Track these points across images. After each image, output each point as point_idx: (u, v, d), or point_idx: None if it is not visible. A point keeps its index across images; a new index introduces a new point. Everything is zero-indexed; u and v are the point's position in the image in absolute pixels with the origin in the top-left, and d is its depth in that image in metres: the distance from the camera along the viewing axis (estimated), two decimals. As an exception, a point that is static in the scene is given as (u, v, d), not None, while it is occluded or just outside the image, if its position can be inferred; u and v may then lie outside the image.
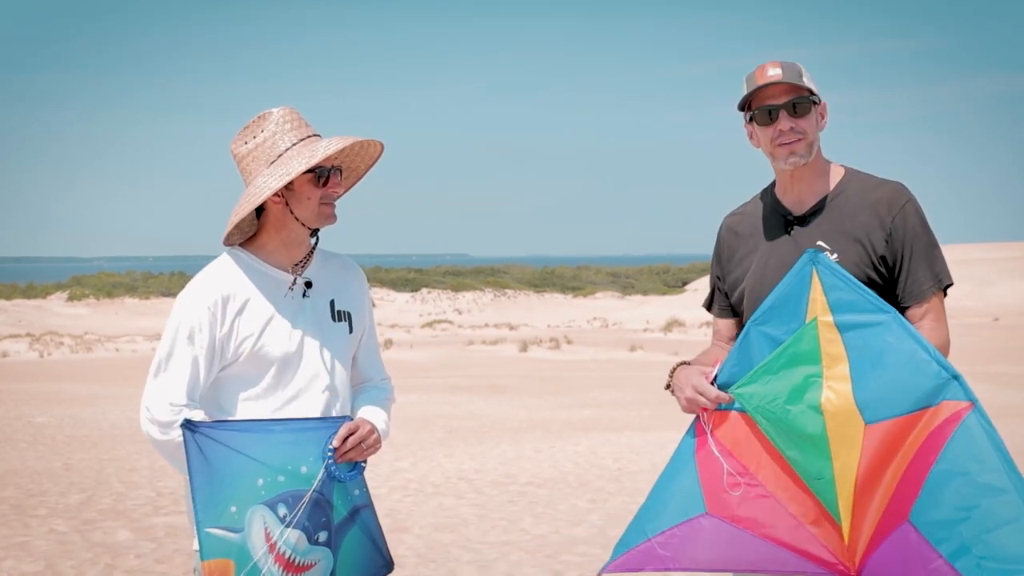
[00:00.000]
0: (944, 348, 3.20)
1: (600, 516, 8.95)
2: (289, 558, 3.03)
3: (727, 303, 3.57)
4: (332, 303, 3.37)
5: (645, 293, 77.68)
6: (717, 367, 3.19)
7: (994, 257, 75.14)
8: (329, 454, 3.11)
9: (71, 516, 8.80)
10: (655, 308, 64.83)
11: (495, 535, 8.26)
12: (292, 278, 3.31)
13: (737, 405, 3.14)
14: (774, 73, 3.30)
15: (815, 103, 3.32)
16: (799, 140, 3.30)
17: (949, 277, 3.29)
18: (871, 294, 2.99)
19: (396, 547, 7.67)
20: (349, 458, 3.15)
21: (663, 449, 12.73)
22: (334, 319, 3.35)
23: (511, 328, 51.45)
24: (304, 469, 3.08)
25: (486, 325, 55.03)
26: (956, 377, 2.86)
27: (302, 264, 3.33)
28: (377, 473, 10.76)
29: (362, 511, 3.20)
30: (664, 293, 77.57)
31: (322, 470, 3.09)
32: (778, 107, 3.30)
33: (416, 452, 12.80)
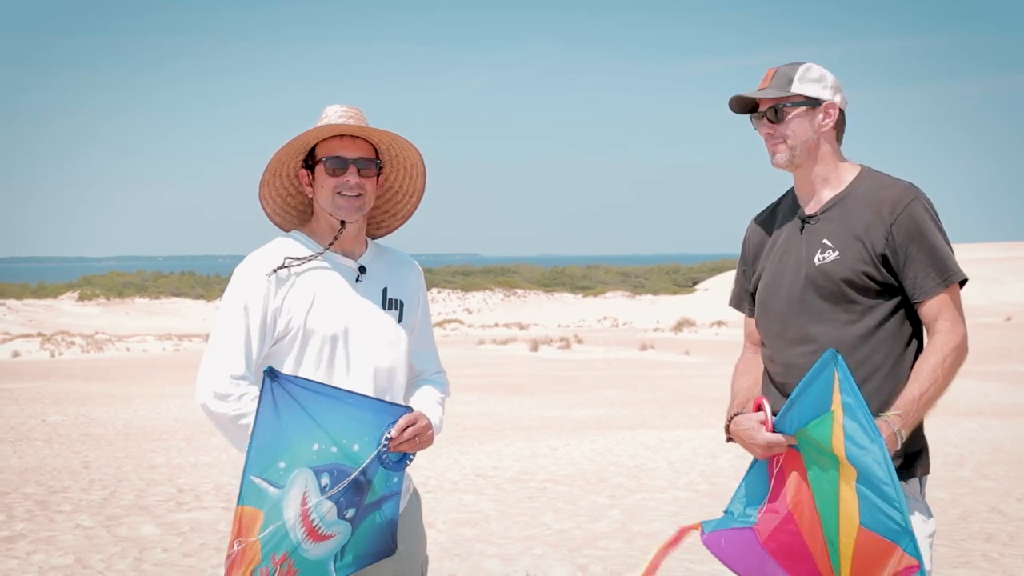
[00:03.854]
0: (961, 348, 3.25)
1: (621, 511, 8.98)
2: (315, 525, 3.08)
3: (755, 303, 3.63)
4: (385, 291, 3.42)
5: (655, 292, 77.71)
6: (768, 415, 3.29)
7: (1005, 256, 75.10)
8: (385, 441, 3.16)
9: (95, 512, 8.85)
10: (665, 307, 64.89)
11: (517, 530, 8.30)
12: (348, 262, 3.37)
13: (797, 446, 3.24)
14: (762, 83, 3.43)
15: (804, 106, 3.38)
16: (780, 143, 3.40)
17: (958, 274, 3.30)
18: (869, 414, 3.03)
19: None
20: (401, 449, 3.20)
21: (678, 447, 12.76)
22: (385, 307, 3.40)
23: (521, 328, 51.54)
24: (356, 447, 3.13)
25: (496, 325, 55.15)
26: (910, 532, 2.96)
27: (335, 239, 3.38)
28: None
29: (392, 497, 3.24)
30: (674, 293, 77.62)
31: (374, 454, 3.15)
32: (761, 114, 3.43)
33: (431, 449, 12.80)
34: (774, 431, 3.25)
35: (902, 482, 3.25)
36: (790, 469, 3.24)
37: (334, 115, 3.39)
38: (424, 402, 3.42)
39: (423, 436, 3.24)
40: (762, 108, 3.42)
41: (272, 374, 3.09)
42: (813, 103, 3.39)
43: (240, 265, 3.36)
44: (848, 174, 3.43)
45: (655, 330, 49.22)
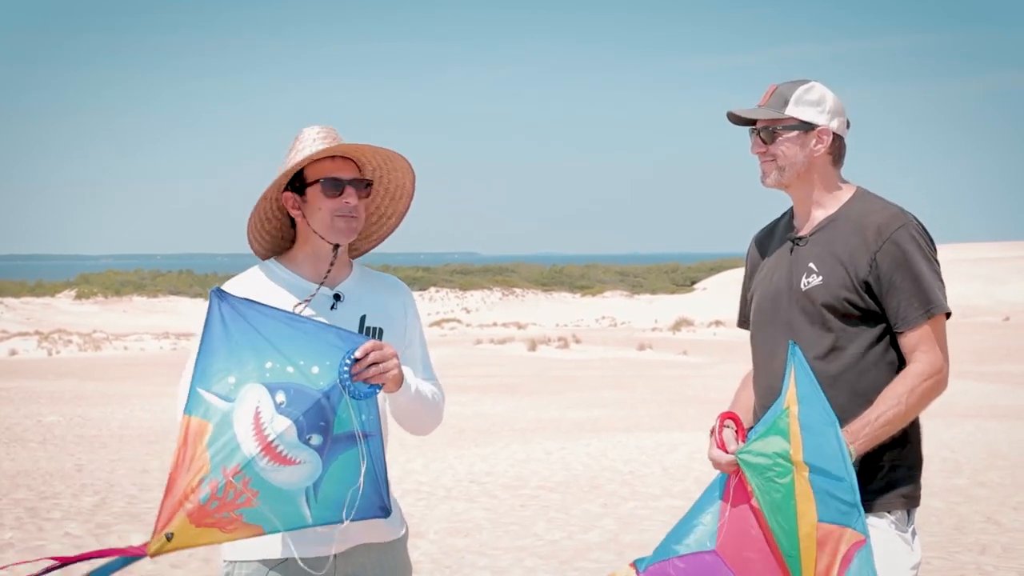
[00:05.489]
0: (935, 379, 3.20)
1: (613, 521, 8.93)
2: (272, 442, 2.91)
3: None
4: (363, 319, 3.31)
5: (654, 292, 77.67)
6: (718, 431, 3.26)
7: (1006, 256, 75.12)
8: (348, 363, 2.98)
9: (85, 519, 8.81)
10: (664, 307, 64.85)
11: (508, 540, 8.25)
12: (316, 288, 3.29)
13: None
14: (762, 99, 3.41)
15: (797, 130, 3.34)
16: (768, 162, 3.38)
17: (943, 305, 3.24)
18: (824, 399, 3.04)
19: (411, 553, 7.65)
20: (364, 377, 3.00)
21: (673, 451, 12.72)
22: (362, 334, 3.29)
23: (519, 327, 51.47)
24: (315, 370, 2.97)
25: (494, 324, 55.10)
26: (859, 506, 2.97)
27: (326, 275, 3.30)
28: (390, 475, 10.74)
29: (370, 439, 3.02)
30: (673, 292, 77.63)
31: (336, 378, 2.97)
32: (755, 131, 3.41)
33: (427, 453, 12.79)
34: (726, 449, 3.20)
35: (887, 514, 3.23)
36: (742, 487, 3.20)
37: (313, 135, 3.30)
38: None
39: (387, 365, 3.02)
40: (757, 126, 3.40)
41: (219, 293, 3.00)
42: (806, 127, 3.35)
43: None
44: (842, 196, 3.39)
45: (653, 330, 49.17)
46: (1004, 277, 65.31)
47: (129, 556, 2.91)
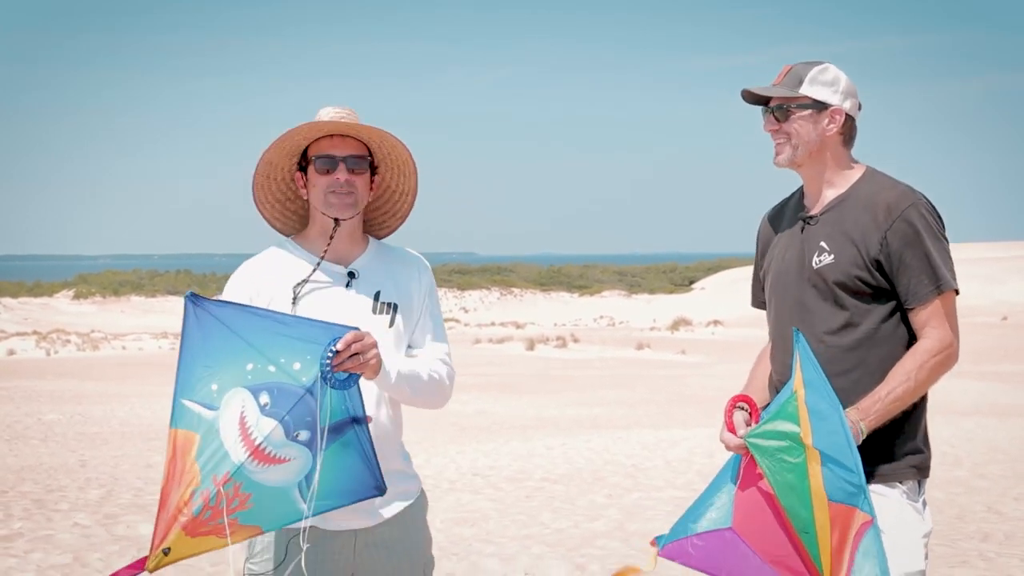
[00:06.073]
0: (945, 355, 3.25)
1: (618, 511, 8.99)
2: (260, 445, 2.96)
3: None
4: (377, 294, 3.36)
5: (652, 292, 77.62)
6: (727, 414, 3.32)
7: (1003, 256, 75.12)
8: (329, 355, 3.00)
9: (93, 511, 8.85)
10: (662, 307, 64.85)
11: (515, 529, 8.31)
12: (316, 263, 3.34)
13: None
14: (776, 79, 3.45)
15: (811, 109, 3.39)
16: (781, 142, 3.43)
17: (951, 282, 3.30)
18: (828, 385, 3.08)
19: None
20: (345, 368, 3.02)
21: (675, 447, 12.77)
22: (375, 311, 3.33)
23: (518, 327, 51.45)
24: (297, 366, 3.00)
25: (493, 323, 55.05)
26: (865, 488, 3.02)
27: (325, 250, 3.35)
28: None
29: (356, 425, 3.07)
30: (671, 292, 77.59)
31: (318, 371, 3.00)
32: (769, 110, 3.46)
33: (428, 449, 12.84)
34: (736, 432, 3.25)
35: (898, 484, 3.29)
36: (754, 467, 3.26)
37: (326, 116, 3.37)
38: (398, 356, 3.30)
39: (367, 355, 3.05)
40: (771, 105, 3.44)
41: (194, 298, 3.03)
42: (820, 106, 3.40)
43: (233, 275, 3.36)
44: (852, 176, 3.43)
45: (651, 329, 49.17)
46: (1003, 277, 65.32)
47: (130, 572, 2.98)
